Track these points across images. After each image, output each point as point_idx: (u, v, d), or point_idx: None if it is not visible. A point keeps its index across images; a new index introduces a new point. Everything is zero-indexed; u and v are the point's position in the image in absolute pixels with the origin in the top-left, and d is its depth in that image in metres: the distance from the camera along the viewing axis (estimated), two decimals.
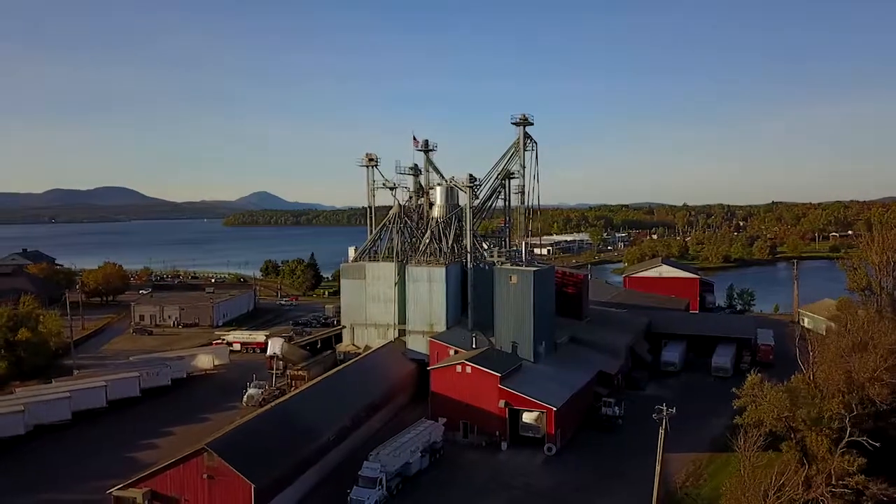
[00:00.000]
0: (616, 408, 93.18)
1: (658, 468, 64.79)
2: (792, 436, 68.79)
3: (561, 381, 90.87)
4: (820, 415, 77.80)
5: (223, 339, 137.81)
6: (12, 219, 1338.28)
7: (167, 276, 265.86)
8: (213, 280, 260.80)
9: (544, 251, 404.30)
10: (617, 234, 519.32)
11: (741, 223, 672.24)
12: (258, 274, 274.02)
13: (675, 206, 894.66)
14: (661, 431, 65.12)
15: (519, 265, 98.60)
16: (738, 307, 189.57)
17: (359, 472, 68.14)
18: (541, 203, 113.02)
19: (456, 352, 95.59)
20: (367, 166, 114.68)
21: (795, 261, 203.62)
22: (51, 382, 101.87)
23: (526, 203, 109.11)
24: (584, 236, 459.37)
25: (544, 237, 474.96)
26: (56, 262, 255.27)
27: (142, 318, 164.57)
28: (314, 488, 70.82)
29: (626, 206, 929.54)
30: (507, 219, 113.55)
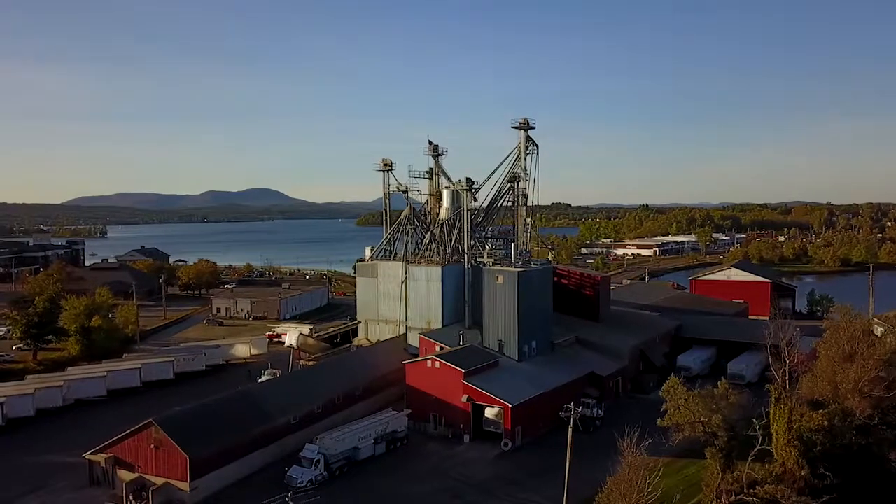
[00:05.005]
0: (595, 409, 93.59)
1: (567, 466, 66.44)
2: (714, 442, 67.62)
3: (534, 380, 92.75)
4: (790, 422, 75.81)
5: (274, 331, 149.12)
6: (171, 218, 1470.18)
7: (266, 272, 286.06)
8: (307, 276, 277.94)
9: (649, 252, 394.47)
10: (737, 236, 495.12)
11: (889, 223, 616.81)
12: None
13: (816, 205, 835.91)
14: (569, 430, 66.64)
15: (508, 266, 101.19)
16: (819, 313, 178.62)
17: (300, 454, 74.73)
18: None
19: (441, 348, 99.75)
20: (383, 170, 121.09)
21: (871, 266, 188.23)
22: (101, 363, 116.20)
23: (527, 204, 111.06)
24: (693, 237, 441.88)
25: (652, 238, 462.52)
26: (169, 258, 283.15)
27: (218, 310, 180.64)
28: (268, 466, 77.76)
29: (765, 205, 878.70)
30: (515, 220, 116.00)
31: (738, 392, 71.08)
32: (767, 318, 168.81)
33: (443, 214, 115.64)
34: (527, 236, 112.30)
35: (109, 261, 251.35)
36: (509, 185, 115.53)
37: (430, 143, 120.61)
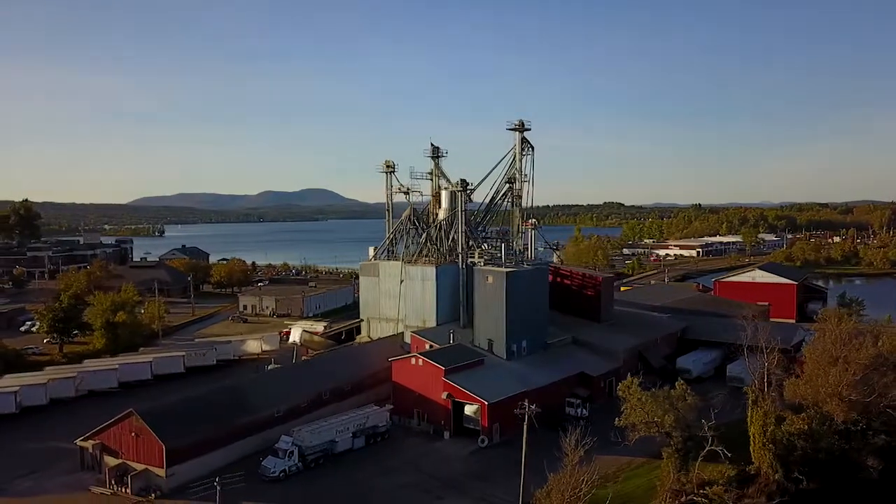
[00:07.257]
0: (580, 409, 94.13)
1: (523, 462, 67.62)
2: (669, 442, 67.76)
3: (518, 379, 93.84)
4: (764, 425, 75.68)
5: (290, 328, 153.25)
6: (228, 218, 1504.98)
7: (302, 271, 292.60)
8: (341, 275, 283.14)
9: (692, 253, 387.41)
10: (787, 236, 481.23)
11: None
12: None
13: (880, 204, 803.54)
14: (524, 428, 67.74)
15: (499, 266, 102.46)
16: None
17: (275, 445, 77.87)
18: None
19: (431, 346, 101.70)
20: (386, 172, 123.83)
21: None
22: (117, 357, 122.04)
23: (522, 205, 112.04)
24: (738, 238, 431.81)
25: (698, 238, 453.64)
26: (209, 257, 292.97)
27: (245, 307, 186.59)
28: (250, 456, 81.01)
29: (825, 204, 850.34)
30: (511, 221, 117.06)
31: (694, 394, 70.66)
32: (793, 321, 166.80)
33: (441, 215, 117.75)
34: (527, 237, 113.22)
35: (149, 259, 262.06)
36: (507, 185, 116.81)
37: (432, 144, 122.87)
